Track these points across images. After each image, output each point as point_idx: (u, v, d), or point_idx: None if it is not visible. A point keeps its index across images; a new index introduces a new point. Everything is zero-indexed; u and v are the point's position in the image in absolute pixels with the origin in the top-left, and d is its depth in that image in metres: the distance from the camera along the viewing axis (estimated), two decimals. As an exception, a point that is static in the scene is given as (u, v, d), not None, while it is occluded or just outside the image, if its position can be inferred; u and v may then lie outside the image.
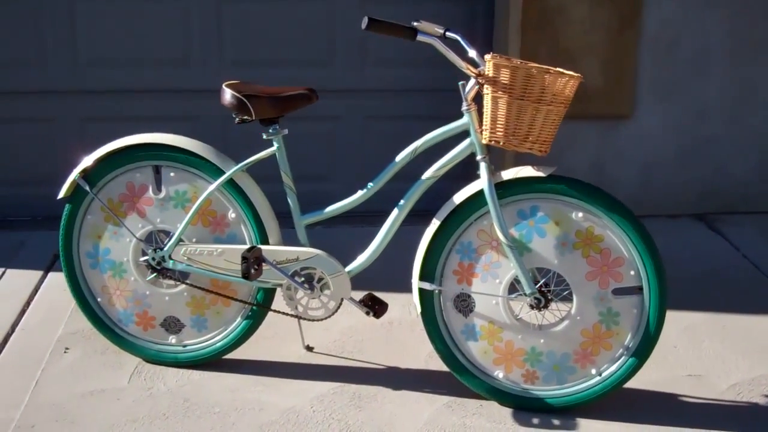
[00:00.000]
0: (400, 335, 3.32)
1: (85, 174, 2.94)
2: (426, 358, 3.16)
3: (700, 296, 3.65)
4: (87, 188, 2.93)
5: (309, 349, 3.19)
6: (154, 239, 2.98)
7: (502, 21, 4.19)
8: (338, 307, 2.90)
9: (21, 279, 3.70)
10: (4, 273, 3.74)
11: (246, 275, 2.80)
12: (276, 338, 3.23)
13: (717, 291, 3.72)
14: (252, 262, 2.79)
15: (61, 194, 2.97)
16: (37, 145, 4.35)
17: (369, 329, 3.33)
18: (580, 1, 4.14)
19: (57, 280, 3.69)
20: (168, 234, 2.97)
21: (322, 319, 2.92)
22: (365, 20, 2.48)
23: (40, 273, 3.76)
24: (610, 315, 2.75)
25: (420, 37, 2.56)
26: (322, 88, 4.00)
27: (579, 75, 2.59)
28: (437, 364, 3.09)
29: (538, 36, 4.15)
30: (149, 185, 2.93)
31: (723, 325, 3.44)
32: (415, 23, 2.78)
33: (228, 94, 2.75)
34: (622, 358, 2.78)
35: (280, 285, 2.90)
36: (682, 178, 4.47)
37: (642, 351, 2.76)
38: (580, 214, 2.71)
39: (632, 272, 2.72)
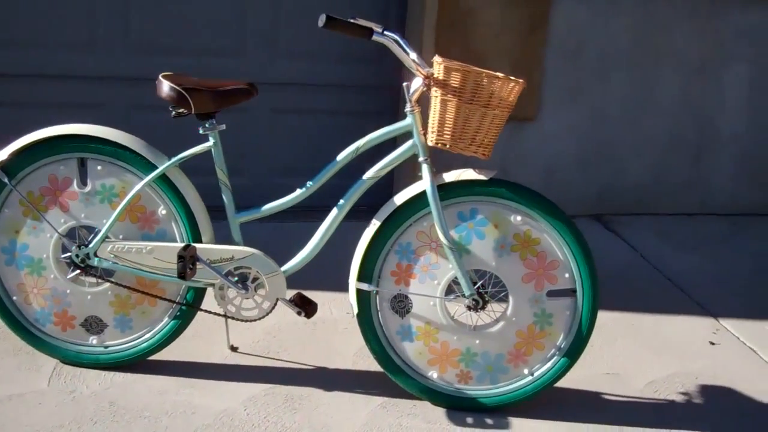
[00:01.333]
0: (324, 334, 3.29)
1: (3, 165, 2.76)
2: (353, 357, 3.15)
3: (607, 296, 3.78)
4: (6, 180, 2.76)
5: (233, 349, 3.12)
6: (77, 235, 2.83)
7: (416, 21, 4.21)
8: (273, 308, 2.84)
9: None
10: None
11: (182, 275, 2.70)
12: (198, 338, 3.14)
13: (621, 291, 3.86)
14: (188, 260, 2.70)
15: (-25, 187, 2.78)
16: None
17: (292, 328, 3.29)
18: (491, 4, 4.19)
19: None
20: (91, 230, 2.83)
21: (255, 320, 2.85)
22: (323, 18, 2.43)
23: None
24: (544, 316, 2.81)
25: (375, 37, 2.54)
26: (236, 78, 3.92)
27: (522, 81, 2.63)
28: (365, 364, 3.09)
29: (450, 37, 4.18)
30: (73, 178, 2.79)
31: (632, 323, 3.58)
32: (351, 20, 2.76)
33: (166, 86, 2.65)
34: (554, 358, 2.85)
35: (212, 284, 2.82)
36: (581, 179, 4.61)
37: (573, 351, 2.84)
38: (519, 218, 2.75)
39: (567, 275, 2.78)
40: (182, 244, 2.75)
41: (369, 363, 3.10)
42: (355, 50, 4.33)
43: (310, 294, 2.98)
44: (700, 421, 2.91)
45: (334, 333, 3.30)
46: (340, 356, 3.15)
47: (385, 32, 2.70)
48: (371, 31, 2.50)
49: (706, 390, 3.11)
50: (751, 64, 4.64)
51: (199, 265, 2.76)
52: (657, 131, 4.64)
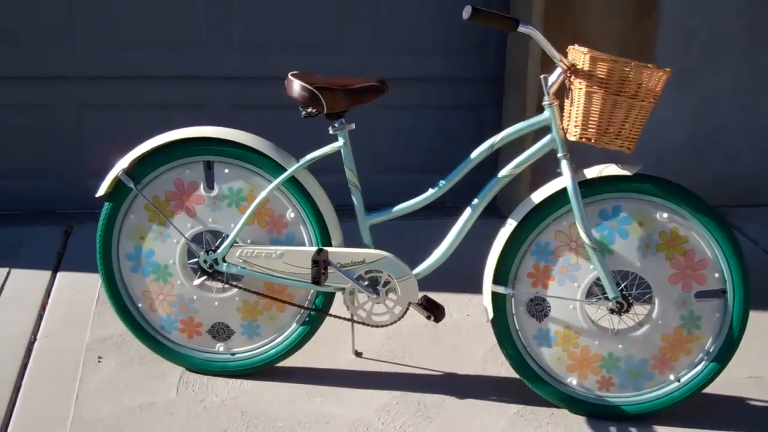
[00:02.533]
0: (448, 338, 3.18)
1: (128, 170, 2.70)
2: (481, 362, 3.03)
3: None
4: (131, 185, 2.70)
5: (358, 354, 3.03)
6: (204, 240, 2.76)
7: (521, 7, 4.06)
8: (404, 312, 2.74)
9: (29, 280, 3.43)
10: (9, 274, 3.45)
11: (316, 280, 2.62)
12: (320, 343, 3.04)
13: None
14: (321, 265, 2.61)
15: (101, 191, 2.73)
16: (29, 134, 4.04)
17: (414, 332, 3.18)
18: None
19: (68, 280, 3.44)
20: (217, 235, 2.76)
21: (386, 325, 2.76)
22: (468, 9, 2.32)
23: (47, 273, 3.49)
24: (692, 319, 2.67)
25: (521, 28, 2.41)
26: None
27: (668, 70, 2.48)
28: (495, 369, 2.98)
29: (559, 24, 4.03)
30: (200, 182, 2.72)
31: (766, 323, 3.40)
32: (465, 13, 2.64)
33: (297, 86, 2.56)
34: (703, 363, 2.71)
35: (342, 289, 2.72)
36: (693, 169, 4.43)
37: (723, 355, 2.69)
38: (665, 215, 2.61)
39: (716, 275, 2.63)
40: (314, 249, 2.66)
41: (499, 368, 2.99)
42: (456, 43, 4.20)
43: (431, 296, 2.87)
44: None
45: (457, 336, 3.19)
46: (468, 361, 3.04)
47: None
48: (517, 22, 2.38)
49: None
50: None
51: (330, 270, 2.67)
52: (755, 124, 4.43)
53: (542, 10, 3.94)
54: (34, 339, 3.02)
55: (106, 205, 2.75)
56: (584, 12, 4.01)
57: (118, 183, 2.72)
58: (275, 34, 4.06)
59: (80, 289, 3.37)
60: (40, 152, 4.05)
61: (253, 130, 2.72)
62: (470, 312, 3.35)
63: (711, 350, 2.69)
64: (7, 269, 3.49)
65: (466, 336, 3.20)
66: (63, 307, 3.25)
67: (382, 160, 4.31)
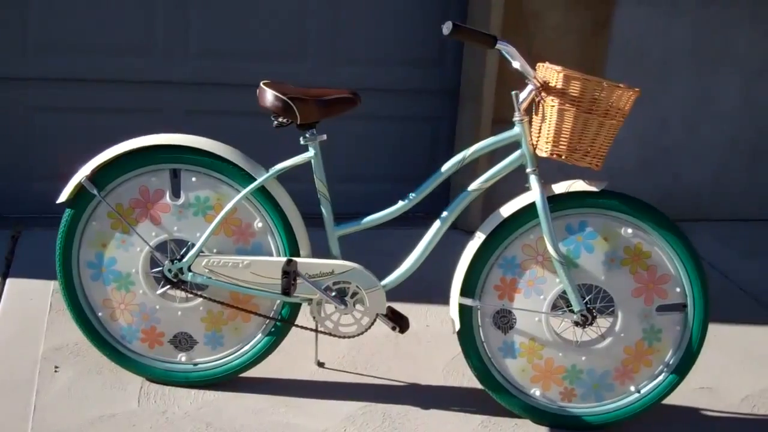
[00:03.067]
0: (408, 348, 3.19)
1: (92, 176, 2.64)
2: (443, 372, 3.05)
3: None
4: (95, 192, 2.64)
5: (320, 365, 3.02)
6: (168, 249, 2.72)
7: (478, 24, 4.10)
8: (372, 323, 2.74)
9: (-25, 287, 3.33)
10: (-46, 280, 3.35)
11: (286, 291, 2.60)
12: (282, 353, 3.01)
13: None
14: (292, 276, 2.59)
15: (63, 197, 2.67)
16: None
17: (375, 343, 3.18)
18: (555, 7, 4.10)
19: (18, 287, 3.35)
20: (182, 244, 2.72)
21: (353, 336, 2.75)
22: (449, 25, 2.34)
23: (-4, 279, 3.39)
24: (653, 332, 2.73)
25: (499, 45, 2.44)
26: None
27: (638, 90, 2.54)
28: (456, 379, 3.01)
29: (515, 40, 4.06)
30: (166, 190, 2.68)
31: (714, 334, 3.49)
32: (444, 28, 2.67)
33: (270, 95, 2.54)
34: (662, 374, 2.77)
35: (309, 300, 2.71)
36: (641, 185, 4.52)
37: (682, 367, 2.76)
38: (629, 230, 2.66)
39: (678, 289, 2.70)
40: (283, 259, 2.64)
41: (460, 378, 3.01)
42: (414, 54, 4.22)
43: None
44: (809, 439, 2.83)
45: (417, 347, 3.20)
46: (429, 371, 3.05)
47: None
48: (495, 39, 2.41)
49: (806, 405, 3.03)
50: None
51: (298, 280, 2.66)
52: (716, 136, 4.56)
53: (500, 25, 3.98)
54: (-14, 348, 2.93)
55: (67, 212, 2.69)
56: (539, 28, 4.07)
57: (80, 189, 2.66)
58: (233, 41, 4.02)
59: (31, 296, 3.28)
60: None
61: (208, 136, 2.68)
62: (429, 322, 3.36)
63: (671, 362, 2.76)
64: (-50, 276, 3.38)
65: (426, 346, 3.21)
66: (14, 314, 3.16)
67: (339, 168, 4.29)
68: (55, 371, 2.83)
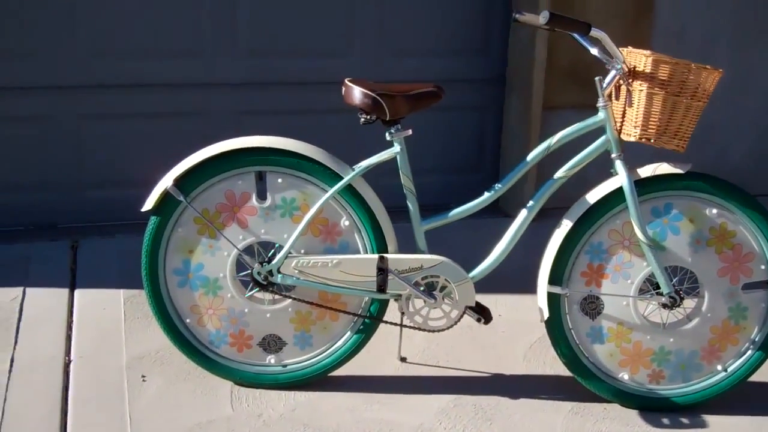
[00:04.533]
0: (485, 339, 3.20)
1: (177, 182, 2.64)
2: (523, 361, 3.07)
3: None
4: (181, 197, 2.64)
5: (403, 360, 3.03)
6: (256, 252, 2.72)
7: (525, 7, 4.10)
8: (461, 316, 2.75)
9: (47, 299, 3.32)
10: (24, 293, 3.34)
11: (382, 287, 2.61)
12: (364, 351, 3.02)
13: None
14: (386, 273, 2.60)
15: (149, 205, 2.67)
16: (28, 146, 3.91)
17: (451, 334, 3.18)
18: (598, -9, 4.12)
19: (88, 297, 3.35)
20: (267, 246, 2.72)
21: (443, 330, 2.76)
22: (545, 14, 2.34)
23: (65, 291, 3.38)
24: (739, 310, 2.75)
25: (593, 32, 2.44)
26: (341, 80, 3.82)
27: (721, 70, 2.55)
28: (538, 367, 3.03)
29: (559, 25, 4.09)
30: (252, 193, 2.68)
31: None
32: (517, 15, 2.68)
33: (358, 92, 2.55)
34: (749, 352, 2.79)
35: (399, 296, 2.72)
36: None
37: (768, 344, 2.78)
38: (714, 211, 2.68)
39: (762, 267, 2.72)
40: (374, 256, 2.65)
41: (542, 366, 3.03)
42: (459, 44, 4.23)
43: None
44: None
45: (494, 337, 3.21)
46: (510, 360, 3.06)
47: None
48: (589, 26, 2.41)
49: None
50: None
51: (389, 276, 2.67)
52: (758, 112, 4.58)
53: (547, 8, 3.98)
54: (69, 360, 2.93)
55: (153, 219, 2.69)
56: (584, 12, 4.08)
57: (165, 196, 2.65)
58: (280, 39, 4.02)
59: (104, 306, 3.28)
60: (39, 165, 3.92)
61: (255, 134, 2.69)
62: (501, 312, 3.37)
63: (756, 339, 2.78)
64: (21, 288, 3.37)
65: (502, 336, 3.22)
66: (90, 325, 3.16)
67: (389, 161, 4.30)
68: (143, 380, 2.83)
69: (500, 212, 4.31)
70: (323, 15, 4.03)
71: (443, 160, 4.35)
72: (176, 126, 3.98)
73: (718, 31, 4.39)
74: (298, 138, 2.66)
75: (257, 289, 2.72)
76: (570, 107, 4.19)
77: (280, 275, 2.68)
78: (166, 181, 2.64)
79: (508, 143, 4.32)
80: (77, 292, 3.39)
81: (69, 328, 3.13)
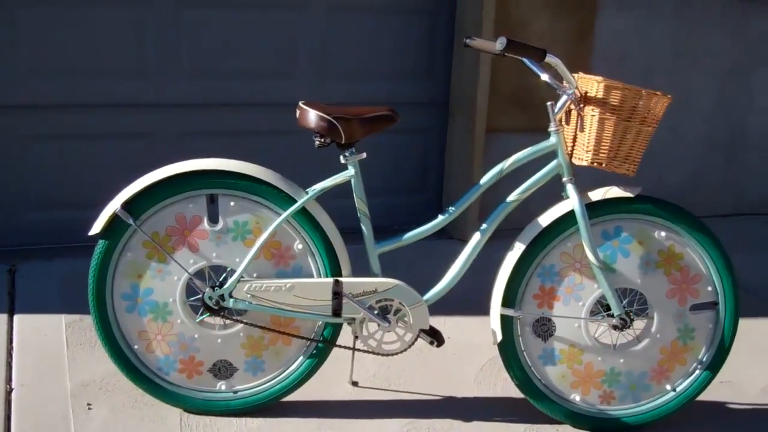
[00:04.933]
0: (436, 362, 3.20)
1: (126, 205, 2.59)
2: (474, 384, 3.07)
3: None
4: (130, 221, 2.58)
5: (355, 384, 3.00)
6: (207, 276, 2.68)
7: (469, 33, 4.14)
8: (415, 340, 2.74)
9: (-16, 325, 3.21)
10: (-41, 319, 3.22)
11: (338, 311, 2.59)
12: (315, 375, 3.00)
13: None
14: (341, 296, 2.58)
15: (96, 229, 2.60)
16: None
17: (401, 358, 3.15)
18: (541, 16, 4.18)
19: (28, 323, 3.24)
20: (219, 270, 2.68)
21: (396, 353, 2.75)
22: (503, 41, 2.35)
23: (3, 316, 3.27)
24: (687, 331, 2.80)
25: (548, 58, 2.47)
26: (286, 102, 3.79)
27: (670, 96, 2.61)
28: (489, 389, 3.04)
29: (503, 49, 4.14)
30: (203, 216, 2.63)
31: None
32: (467, 40, 2.71)
33: (314, 116, 2.53)
34: (696, 372, 2.84)
35: (353, 319, 2.70)
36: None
37: (715, 364, 2.83)
38: (663, 233, 2.73)
39: (709, 288, 2.77)
40: (329, 280, 2.63)
41: (493, 387, 3.04)
42: (403, 68, 4.25)
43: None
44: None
45: (444, 359, 3.21)
46: (462, 383, 3.07)
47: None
48: (545, 53, 2.44)
49: (824, 393, 3.14)
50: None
51: (343, 300, 2.65)
52: (695, 135, 4.70)
53: (491, 35, 4.03)
54: (11, 388, 2.83)
55: (101, 243, 2.62)
56: (528, 35, 4.14)
57: (114, 219, 2.59)
58: (224, 60, 3.98)
59: (45, 332, 3.18)
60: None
61: (203, 157, 2.66)
62: (450, 334, 3.37)
63: (704, 359, 2.83)
64: (-45, 314, 3.25)
65: (453, 358, 3.23)
66: (31, 352, 3.06)
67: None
68: (89, 409, 2.75)
69: (444, 234, 4.32)
70: (267, 36, 4.01)
71: (387, 182, 4.35)
72: (119, 147, 3.90)
73: (657, 56, 4.49)
74: (243, 160, 2.63)
75: (208, 314, 2.67)
76: (512, 130, 4.24)
77: (232, 300, 2.64)
78: (115, 204, 2.58)
79: (451, 165, 4.35)
80: (16, 318, 3.28)
81: (9, 355, 3.03)
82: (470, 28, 4.09)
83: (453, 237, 4.24)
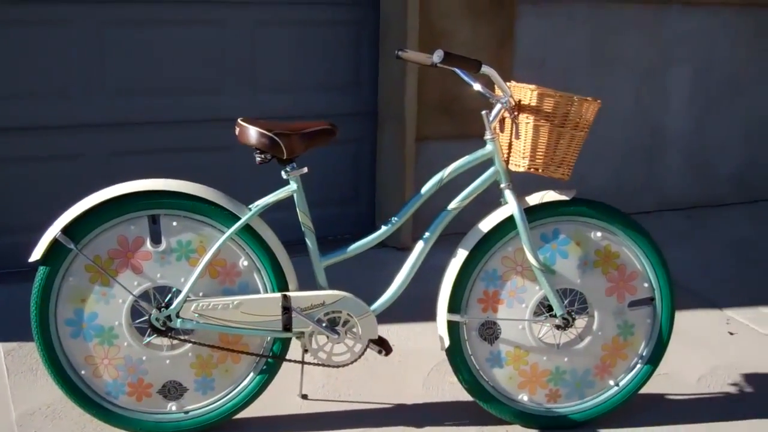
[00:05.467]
0: (382, 370, 3.23)
1: (66, 230, 2.55)
2: (423, 389, 3.11)
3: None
4: (72, 246, 2.55)
5: (304, 397, 3.01)
6: (152, 297, 2.65)
7: (393, 44, 4.20)
8: (364, 350, 2.76)
9: None
10: None
11: (288, 326, 2.59)
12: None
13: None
14: (291, 311, 2.59)
15: (36, 255, 2.55)
16: None
17: (348, 369, 3.19)
18: (462, 24, 4.26)
19: (-37, 354, 3.16)
20: (163, 291, 2.66)
21: (347, 364, 2.76)
22: (440, 54, 2.40)
23: (-64, 348, 3.19)
24: (627, 327, 2.89)
25: (483, 69, 2.53)
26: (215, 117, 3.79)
27: (599, 101, 2.69)
28: (438, 394, 3.08)
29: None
30: (145, 237, 2.61)
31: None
32: (400, 53, 2.75)
33: (255, 132, 2.54)
34: (637, 366, 2.93)
35: (302, 333, 2.71)
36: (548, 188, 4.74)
37: (655, 357, 2.92)
38: (599, 234, 2.81)
39: (645, 284, 2.87)
40: (276, 295, 2.63)
41: (441, 392, 3.09)
42: (330, 80, 4.28)
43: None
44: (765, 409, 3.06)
45: (390, 367, 3.24)
46: (410, 389, 3.10)
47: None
48: (480, 64, 2.49)
49: (754, 379, 3.27)
50: (690, 66, 4.93)
51: (292, 314, 2.65)
52: (614, 136, 4.84)
53: (416, 45, 4.09)
54: (-49, 422, 2.76)
55: (41, 269, 2.58)
56: (451, 44, 4.21)
57: (54, 244, 2.55)
58: (150, 78, 3.94)
59: (-10, 362, 3.11)
60: None
61: (135, 176, 2.64)
62: (394, 342, 3.40)
63: (644, 354, 2.92)
64: None
65: (398, 366, 3.26)
66: (-30, 384, 2.99)
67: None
68: (36, 438, 2.70)
69: (380, 243, 4.35)
70: (194, 53, 3.99)
71: (320, 194, 4.37)
72: (47, 170, 3.84)
73: (576, 60, 4.62)
74: (175, 178, 2.62)
75: (155, 335, 2.65)
76: (441, 138, 4.30)
77: (179, 320, 2.62)
78: (55, 229, 2.54)
79: (383, 175, 4.39)
80: (-50, 350, 3.19)
81: (-54, 389, 2.95)
82: (395, 39, 4.14)
83: (388, 245, 4.28)
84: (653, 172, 5.03)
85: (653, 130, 4.96)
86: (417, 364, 3.25)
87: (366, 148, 4.43)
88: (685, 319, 3.77)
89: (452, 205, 2.76)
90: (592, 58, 4.66)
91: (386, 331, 3.43)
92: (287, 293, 2.65)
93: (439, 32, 4.21)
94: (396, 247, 4.24)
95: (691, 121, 5.05)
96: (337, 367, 2.76)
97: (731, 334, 3.67)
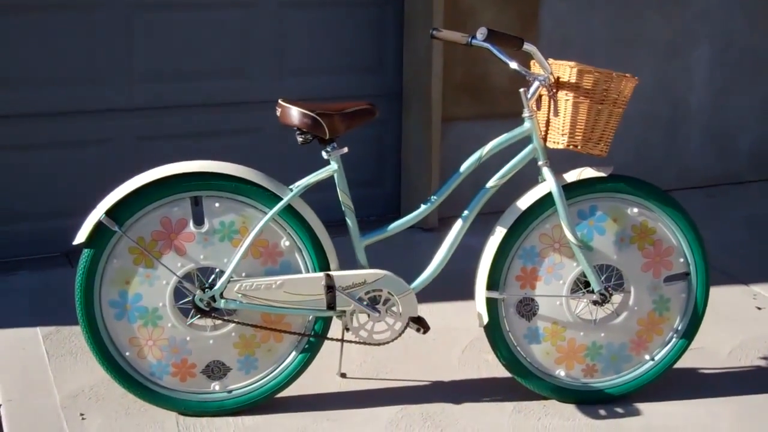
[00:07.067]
0: (417, 348, 3.25)
1: (111, 212, 2.58)
2: (458, 366, 3.14)
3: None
4: (115, 228, 2.57)
5: (343, 375, 3.04)
6: (195, 278, 2.68)
7: (419, 23, 4.20)
8: (405, 328, 2.79)
9: (-42, 342, 3.15)
10: (-68, 338, 3.15)
11: (332, 305, 2.62)
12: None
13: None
14: (334, 290, 2.62)
15: (81, 238, 2.58)
16: None
17: (384, 348, 3.20)
18: (487, 5, 4.27)
19: (2, 338, 3.19)
20: (204, 271, 2.69)
21: (387, 342, 2.80)
22: (483, 31, 2.41)
23: (-25, 332, 3.22)
24: (662, 302, 2.91)
25: (525, 46, 2.54)
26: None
27: (637, 78, 2.71)
28: (473, 371, 3.11)
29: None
30: (188, 219, 2.64)
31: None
32: (434, 32, 2.77)
33: (297, 113, 2.56)
34: (673, 340, 2.96)
35: (343, 312, 2.74)
36: (571, 166, 4.75)
37: (690, 332, 2.95)
38: (635, 210, 2.83)
39: (681, 259, 2.89)
40: (319, 275, 2.66)
41: (477, 369, 3.12)
42: (355, 62, 4.29)
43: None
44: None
45: (425, 345, 3.27)
46: (446, 367, 3.13)
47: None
48: (522, 41, 2.51)
49: (785, 352, 3.31)
50: (710, 44, 4.94)
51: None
52: (636, 114, 4.85)
53: (441, 24, 4.10)
54: (-2, 404, 2.79)
55: (86, 252, 2.61)
56: (477, 25, 4.20)
57: (98, 227, 2.58)
58: (177, 62, 3.96)
59: (23, 346, 3.14)
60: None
61: (163, 161, 2.66)
62: (428, 320, 3.43)
63: (679, 328, 2.95)
64: (-74, 333, 3.18)
65: (433, 344, 3.29)
66: (12, 367, 3.02)
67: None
68: (83, 419, 2.73)
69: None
70: (220, 36, 4.01)
71: (347, 176, 4.37)
72: (77, 156, 3.87)
73: (597, 39, 4.62)
74: (205, 159, 2.64)
75: (199, 315, 2.68)
76: (467, 118, 4.32)
77: (223, 300, 2.65)
78: (99, 212, 2.57)
79: (409, 156, 4.41)
80: (-10, 333, 3.23)
81: (-11, 372, 2.99)
82: (420, 19, 4.15)
83: (414, 225, 4.28)
84: (674, 150, 5.04)
85: (674, 107, 4.97)
86: (451, 342, 3.28)
87: (391, 130, 4.44)
88: (713, 295, 3.77)
89: (491, 183, 2.78)
90: (615, 37, 4.67)
91: (420, 309, 3.46)
92: (330, 272, 2.67)
93: (465, 12, 4.21)
94: (422, 228, 4.26)
95: (711, 98, 5.06)
96: (378, 345, 2.79)
97: (759, 309, 3.70)
